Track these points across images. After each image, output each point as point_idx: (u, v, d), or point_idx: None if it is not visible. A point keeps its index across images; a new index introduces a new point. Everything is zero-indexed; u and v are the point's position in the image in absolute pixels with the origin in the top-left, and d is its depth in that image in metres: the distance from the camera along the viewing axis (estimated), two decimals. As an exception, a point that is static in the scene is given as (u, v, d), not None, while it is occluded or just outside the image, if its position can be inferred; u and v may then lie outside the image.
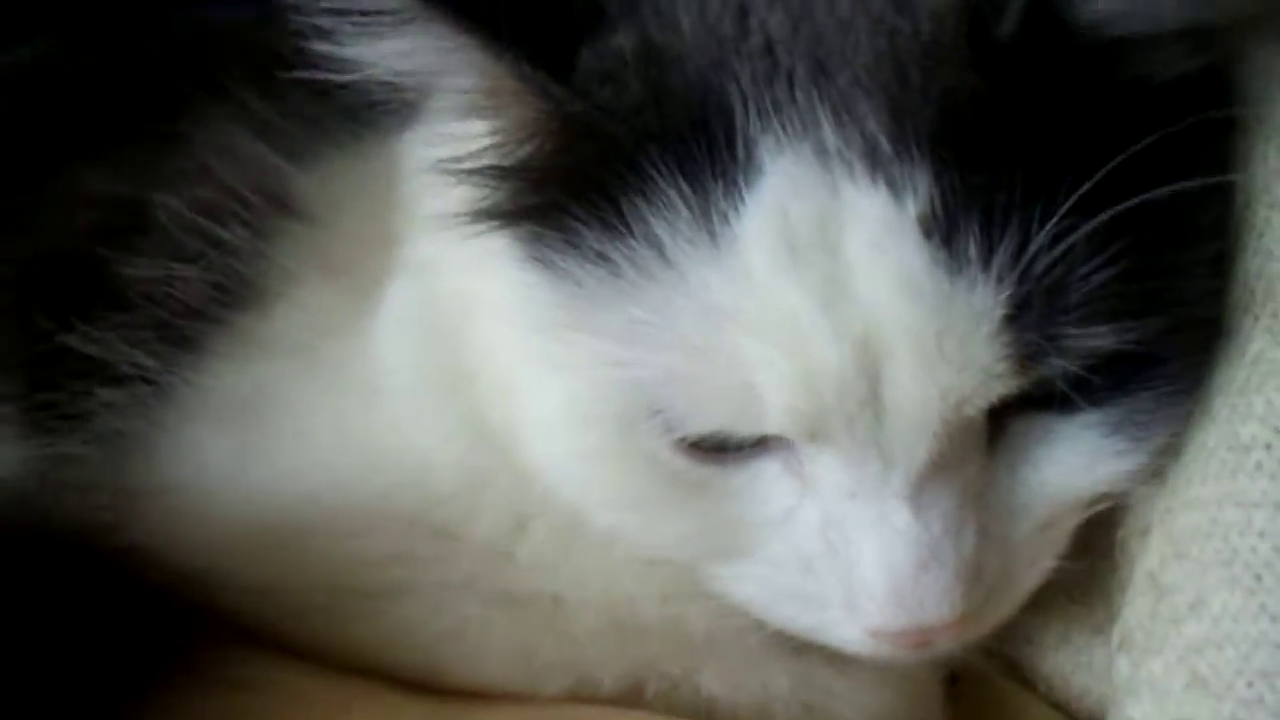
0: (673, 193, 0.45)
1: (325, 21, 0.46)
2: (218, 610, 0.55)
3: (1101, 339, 0.45)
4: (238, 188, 0.58)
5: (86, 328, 0.57)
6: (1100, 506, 0.50)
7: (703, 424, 0.47)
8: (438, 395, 0.54)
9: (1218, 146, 0.50)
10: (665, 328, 0.46)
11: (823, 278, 0.45)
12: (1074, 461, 0.49)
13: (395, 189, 0.56)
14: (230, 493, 0.55)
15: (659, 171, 0.45)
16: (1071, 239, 0.44)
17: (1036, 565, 0.50)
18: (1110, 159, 0.44)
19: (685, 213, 0.45)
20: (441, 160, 0.49)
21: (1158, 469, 0.50)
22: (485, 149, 0.49)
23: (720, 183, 0.45)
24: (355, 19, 0.46)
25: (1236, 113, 0.50)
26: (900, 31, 0.46)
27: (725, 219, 0.45)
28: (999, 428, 0.48)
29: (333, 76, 0.48)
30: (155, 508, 0.56)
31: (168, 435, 0.57)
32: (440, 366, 0.54)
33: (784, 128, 0.45)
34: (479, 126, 0.49)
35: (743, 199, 0.45)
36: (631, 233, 0.46)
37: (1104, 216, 0.44)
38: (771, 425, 0.46)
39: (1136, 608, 0.50)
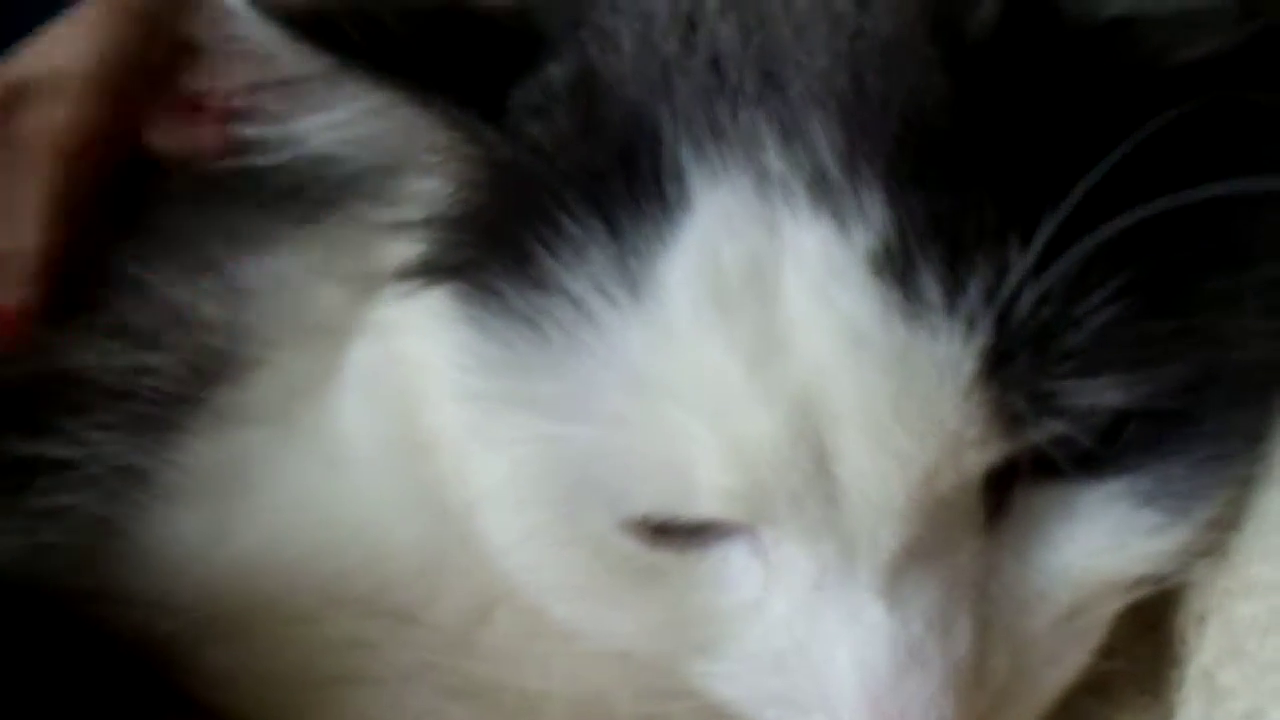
0: (591, 240, 0.39)
1: (245, 102, 0.42)
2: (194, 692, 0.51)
3: (1108, 395, 0.37)
4: (208, 261, 0.54)
5: (56, 433, 0.54)
6: (1144, 591, 0.42)
7: (639, 504, 0.40)
8: (396, 468, 0.49)
9: (1268, 136, 0.40)
10: (590, 396, 0.40)
11: (755, 331, 0.38)
12: (1099, 540, 0.40)
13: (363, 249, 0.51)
14: (197, 571, 0.52)
15: (577, 216, 0.39)
16: (1061, 266, 0.36)
17: (1062, 663, 0.42)
18: (1108, 158, 0.36)
19: (604, 262, 0.39)
20: (374, 217, 0.45)
21: (1216, 542, 0.41)
22: (416, 202, 0.44)
23: (643, 224, 0.39)
24: (274, 92, 0.42)
25: None
26: (861, 31, 0.39)
27: (648, 266, 0.39)
28: (1003, 499, 0.40)
29: (263, 160, 0.44)
30: (133, 586, 0.53)
31: (147, 516, 0.53)
32: (398, 437, 0.49)
33: (721, 155, 0.39)
34: (414, 182, 0.44)
35: (665, 242, 0.39)
36: (551, 288, 0.40)
37: (1101, 235, 0.36)
38: (705, 507, 0.39)
39: (1190, 712, 0.41)
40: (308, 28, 0.41)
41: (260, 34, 0.41)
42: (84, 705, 0.51)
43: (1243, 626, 0.40)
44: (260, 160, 0.44)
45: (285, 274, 0.53)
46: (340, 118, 0.42)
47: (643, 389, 0.39)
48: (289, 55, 0.41)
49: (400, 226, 0.44)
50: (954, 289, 0.36)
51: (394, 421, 0.49)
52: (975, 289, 0.36)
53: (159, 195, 0.58)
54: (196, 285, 0.54)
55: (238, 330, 0.53)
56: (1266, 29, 0.39)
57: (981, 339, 0.36)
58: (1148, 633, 0.44)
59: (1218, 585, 0.41)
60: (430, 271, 0.44)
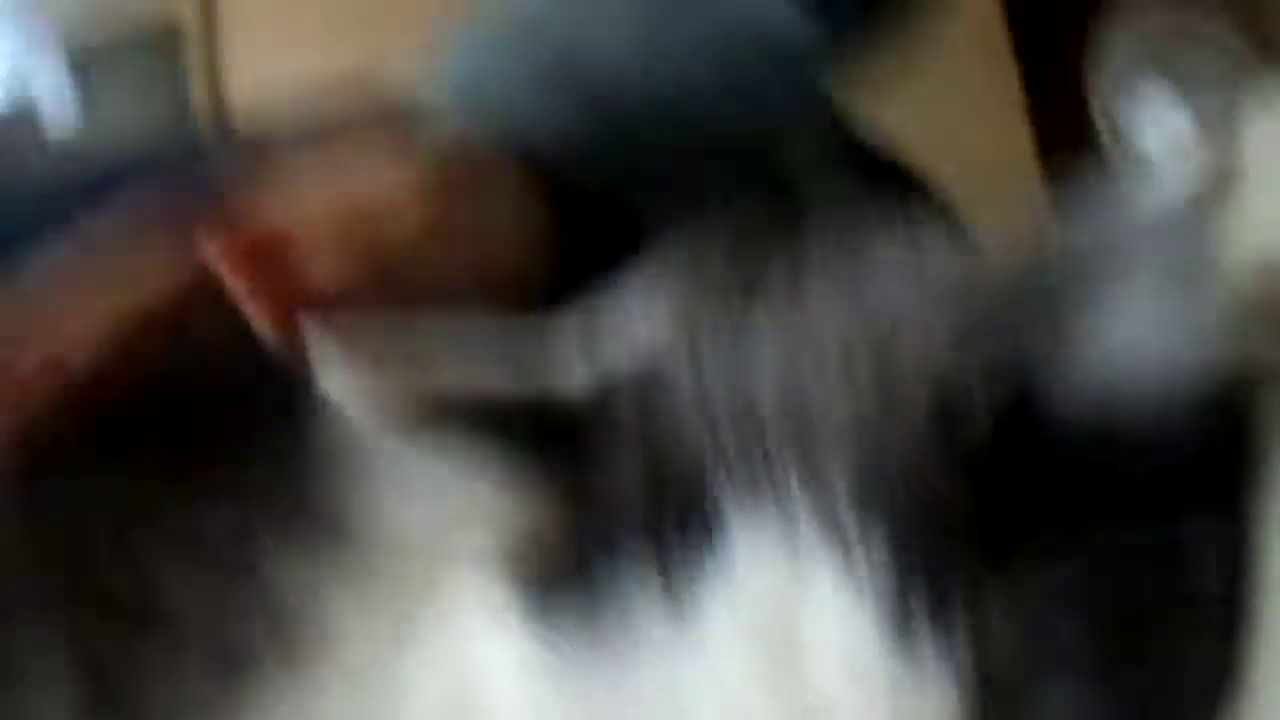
0: (641, 574, 0.47)
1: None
2: None
3: None
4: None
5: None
6: None
7: None
8: None
9: (1230, 487, 0.48)
10: (628, 707, 0.47)
11: (774, 655, 0.45)
12: None
13: None
14: None
15: (630, 555, 0.47)
16: (1026, 611, 0.43)
17: None
18: (1071, 511, 0.44)
19: (651, 596, 0.47)
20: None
21: None
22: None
23: (691, 566, 0.46)
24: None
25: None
26: (878, 407, 0.47)
27: (691, 603, 0.46)
28: None
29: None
30: None
31: None
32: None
33: (757, 508, 0.46)
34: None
35: (705, 570, 0.46)
36: (604, 613, 0.47)
37: (1062, 573, 0.43)
38: None
39: None
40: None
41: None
42: None
43: None
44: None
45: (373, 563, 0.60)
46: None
47: (677, 707, 0.46)
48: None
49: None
50: (942, 631, 0.43)
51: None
52: (958, 631, 0.43)
53: None
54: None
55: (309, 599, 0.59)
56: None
57: (964, 683, 0.43)
58: None
59: None
60: (508, 584, 0.51)
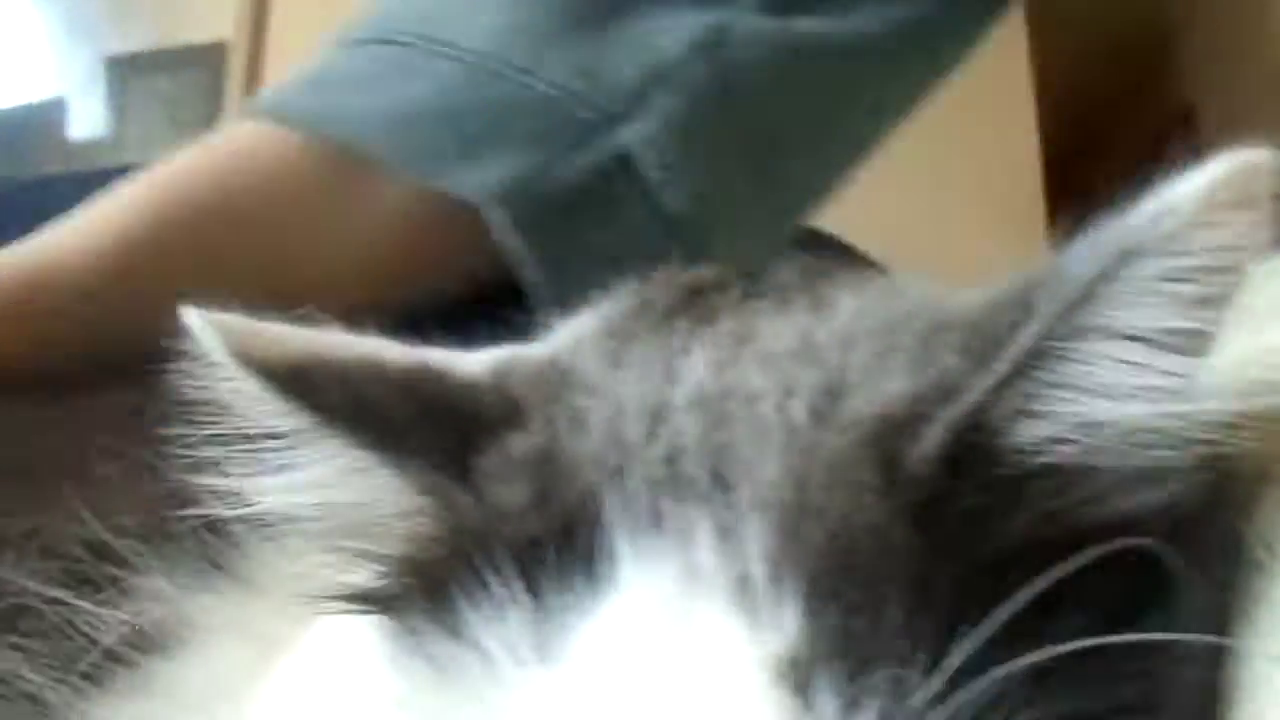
0: (511, 599, 0.40)
1: (210, 453, 0.43)
2: None
3: None
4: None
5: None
6: None
7: None
8: None
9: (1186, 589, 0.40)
10: None
11: (653, 713, 0.38)
12: None
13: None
14: None
15: (503, 576, 0.40)
16: (963, 697, 0.36)
17: None
18: (1020, 593, 0.37)
19: (518, 624, 0.40)
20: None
21: None
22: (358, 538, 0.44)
23: (566, 595, 0.40)
24: (238, 446, 0.43)
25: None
26: (812, 446, 0.40)
27: (561, 635, 0.39)
28: None
29: (222, 512, 0.45)
30: None
31: None
32: None
33: (655, 545, 0.40)
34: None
35: (584, 616, 0.39)
36: (464, 638, 0.41)
37: (1008, 670, 0.36)
38: None
39: None
40: (291, 384, 0.42)
41: (240, 386, 0.42)
42: None
43: None
44: (217, 513, 0.45)
45: (248, 577, 0.54)
46: (307, 478, 0.43)
47: None
48: (267, 410, 0.42)
49: (341, 553, 0.45)
50: (850, 708, 0.37)
51: None
52: (871, 711, 0.36)
53: None
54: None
55: (186, 615, 0.54)
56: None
57: None
58: None
59: None
60: (360, 600, 0.45)
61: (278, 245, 0.77)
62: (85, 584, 0.55)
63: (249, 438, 0.43)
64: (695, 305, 0.48)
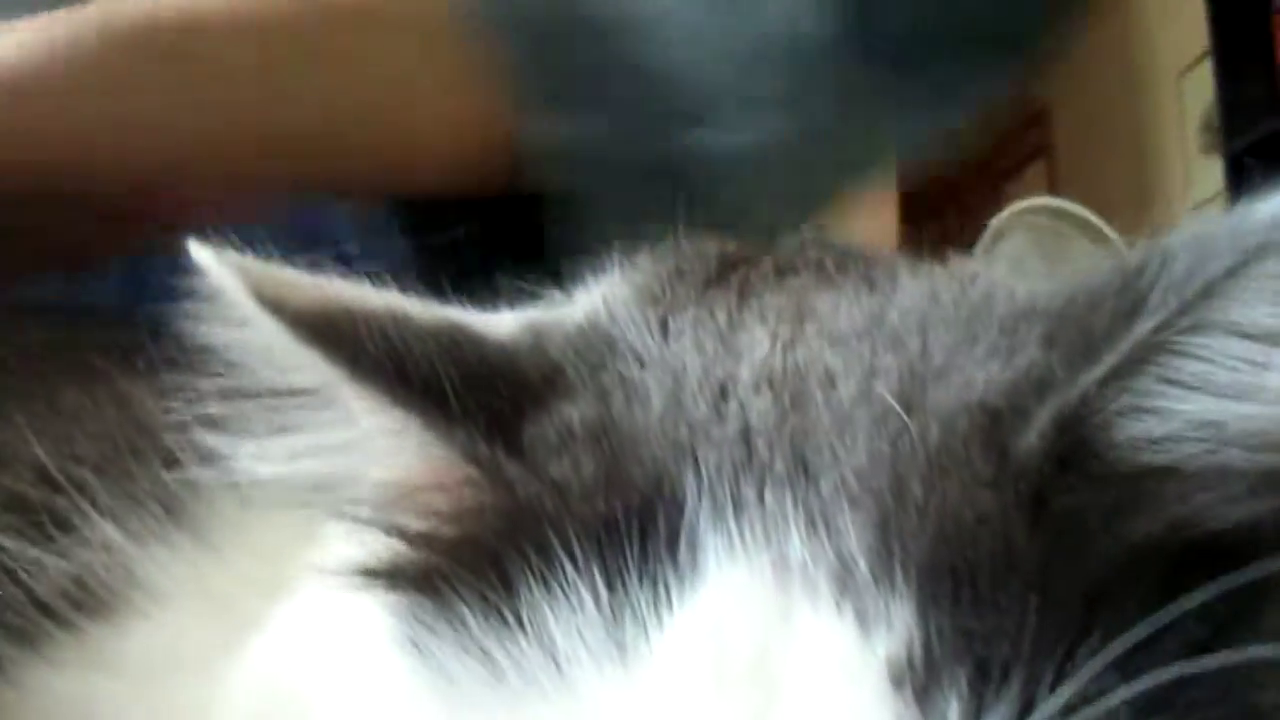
0: (587, 590, 0.36)
1: (217, 409, 0.38)
2: None
3: None
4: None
5: None
6: None
7: None
8: None
9: None
10: None
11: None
12: None
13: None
14: None
15: (578, 563, 0.36)
16: (1088, 714, 0.34)
17: None
18: (1150, 611, 0.34)
19: (595, 617, 0.36)
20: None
21: None
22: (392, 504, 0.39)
23: (647, 588, 0.36)
24: (260, 404, 0.38)
25: None
26: (905, 434, 0.37)
27: (643, 631, 0.35)
28: None
29: (229, 478, 0.40)
30: None
31: None
32: None
33: (742, 531, 0.36)
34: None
35: (670, 609, 0.35)
36: (526, 630, 0.37)
37: (1136, 689, 0.34)
38: None
39: None
40: (322, 333, 0.37)
41: (259, 333, 0.37)
42: None
43: None
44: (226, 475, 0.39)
45: (209, 536, 0.49)
46: (332, 439, 0.38)
47: None
48: (291, 361, 0.37)
49: (359, 521, 0.40)
50: (975, 714, 0.34)
51: None
52: (998, 716, 0.34)
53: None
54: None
55: (135, 571, 0.48)
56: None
57: None
58: None
59: None
60: (382, 577, 0.40)
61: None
62: (27, 514, 0.49)
63: (266, 393, 0.38)
64: (731, 277, 0.45)
